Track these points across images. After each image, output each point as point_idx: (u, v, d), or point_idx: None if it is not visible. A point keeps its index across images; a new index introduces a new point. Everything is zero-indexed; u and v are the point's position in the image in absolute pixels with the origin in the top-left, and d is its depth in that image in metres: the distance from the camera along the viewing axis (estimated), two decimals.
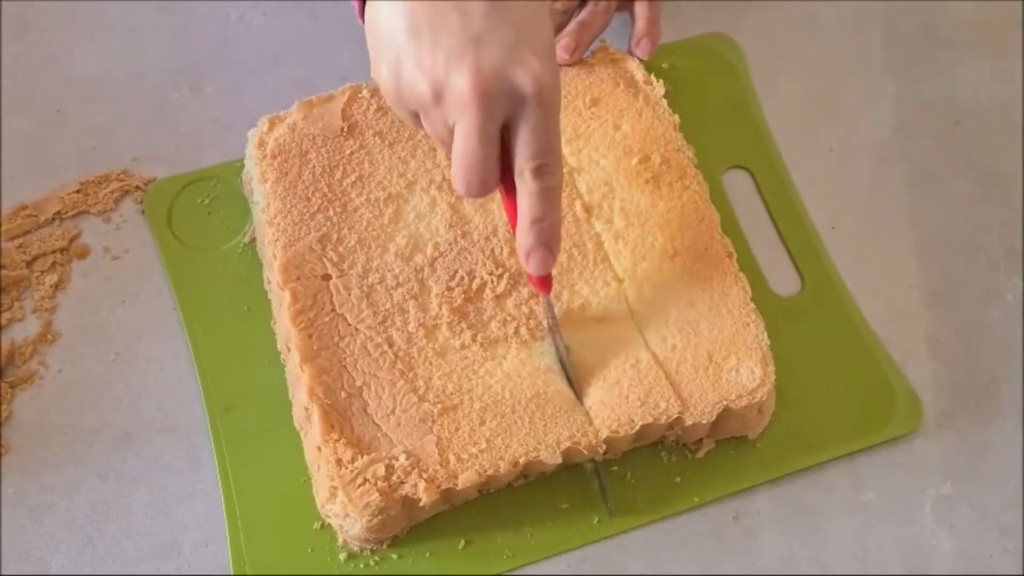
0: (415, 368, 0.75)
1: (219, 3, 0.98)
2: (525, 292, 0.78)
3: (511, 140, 0.66)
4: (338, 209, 0.80)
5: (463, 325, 0.77)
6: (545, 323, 0.77)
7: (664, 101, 0.86)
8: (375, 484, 0.70)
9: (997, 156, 0.93)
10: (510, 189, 0.68)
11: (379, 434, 0.73)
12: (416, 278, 0.78)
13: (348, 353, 0.75)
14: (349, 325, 0.76)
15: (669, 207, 0.82)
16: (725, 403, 0.75)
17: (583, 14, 0.86)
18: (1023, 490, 0.79)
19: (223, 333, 0.82)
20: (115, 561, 0.76)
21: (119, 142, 0.91)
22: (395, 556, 0.75)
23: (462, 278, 0.78)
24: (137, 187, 0.89)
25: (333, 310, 0.77)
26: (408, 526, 0.75)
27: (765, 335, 0.77)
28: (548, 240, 0.69)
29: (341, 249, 0.79)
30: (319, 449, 0.72)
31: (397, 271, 0.78)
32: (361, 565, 0.75)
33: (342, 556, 0.75)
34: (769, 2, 1.00)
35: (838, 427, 0.80)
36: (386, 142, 0.83)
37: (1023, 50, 0.98)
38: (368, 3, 0.68)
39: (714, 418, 0.75)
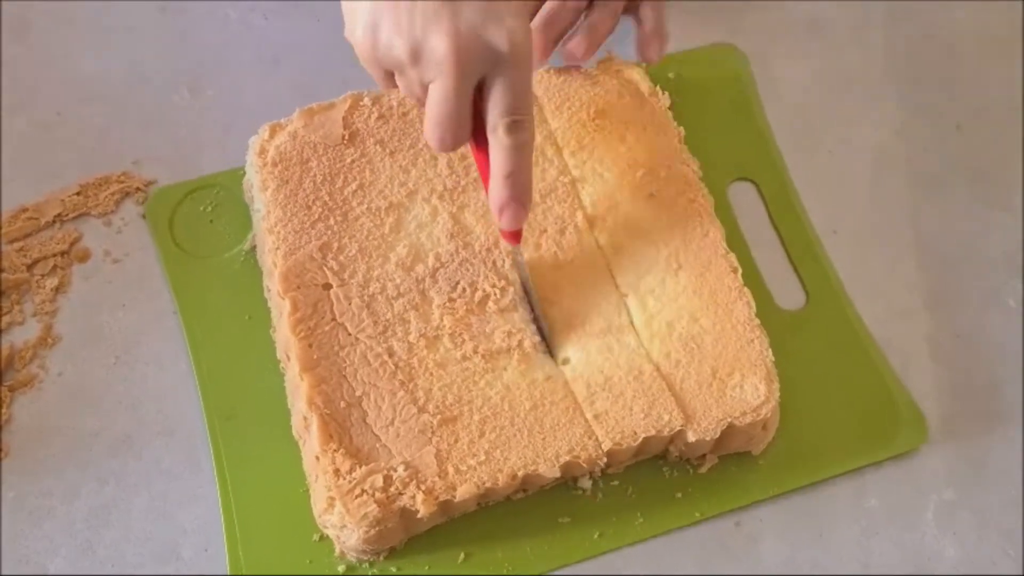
0: (415, 379, 0.75)
1: (219, 5, 0.97)
2: (528, 304, 0.78)
3: (485, 96, 0.69)
4: (339, 218, 0.80)
5: (465, 336, 0.76)
6: (517, 275, 0.78)
7: (669, 113, 0.86)
8: (373, 495, 0.70)
9: (998, 160, 0.93)
10: (482, 144, 0.71)
11: (378, 445, 0.72)
12: (417, 288, 0.78)
13: (348, 363, 0.75)
14: (349, 335, 0.76)
15: (673, 221, 0.81)
16: (729, 420, 0.74)
17: (593, 15, 0.86)
18: None
19: (224, 342, 0.82)
20: (114, 565, 0.76)
21: (119, 144, 0.90)
22: (394, 568, 0.75)
23: (464, 289, 0.78)
24: (138, 188, 0.88)
25: (333, 319, 0.76)
26: (406, 538, 0.75)
27: (770, 352, 0.77)
28: (520, 195, 0.72)
29: (342, 258, 0.78)
30: (317, 459, 0.72)
31: (398, 281, 0.78)
32: None
33: (340, 568, 0.75)
34: (770, 3, 0.99)
35: (842, 444, 0.80)
36: (387, 150, 0.82)
37: (1023, 54, 0.98)
38: None
39: (718, 435, 0.75)
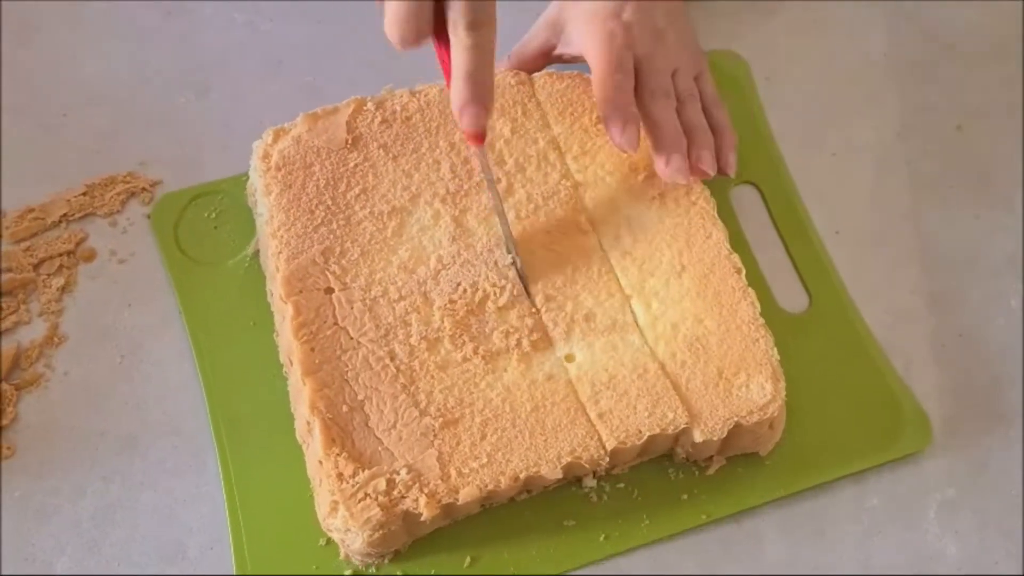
0: (417, 382, 0.75)
1: (224, 8, 0.97)
2: (527, 304, 0.78)
3: None
4: (342, 222, 0.80)
5: (465, 338, 0.76)
6: (483, 176, 0.79)
7: None
8: (376, 499, 0.71)
9: (999, 161, 0.93)
10: (445, 43, 0.70)
11: (380, 448, 0.73)
12: (419, 291, 0.78)
13: (350, 367, 0.75)
14: (351, 338, 0.76)
15: (676, 223, 0.81)
16: (736, 419, 0.74)
17: (657, 112, 0.83)
18: None
19: (228, 347, 0.82)
20: (120, 564, 0.76)
21: (124, 146, 0.91)
22: (399, 572, 0.75)
23: (464, 290, 0.78)
24: (143, 189, 0.89)
25: (335, 323, 0.76)
26: (410, 541, 0.76)
27: (775, 350, 0.77)
28: (481, 95, 0.71)
29: (344, 262, 0.78)
30: (320, 463, 0.73)
31: (400, 284, 0.78)
32: None
33: (346, 571, 0.75)
34: (770, 5, 0.99)
35: (847, 445, 0.80)
36: (390, 155, 0.82)
37: (1023, 54, 0.98)
38: None
39: (725, 434, 0.75)
